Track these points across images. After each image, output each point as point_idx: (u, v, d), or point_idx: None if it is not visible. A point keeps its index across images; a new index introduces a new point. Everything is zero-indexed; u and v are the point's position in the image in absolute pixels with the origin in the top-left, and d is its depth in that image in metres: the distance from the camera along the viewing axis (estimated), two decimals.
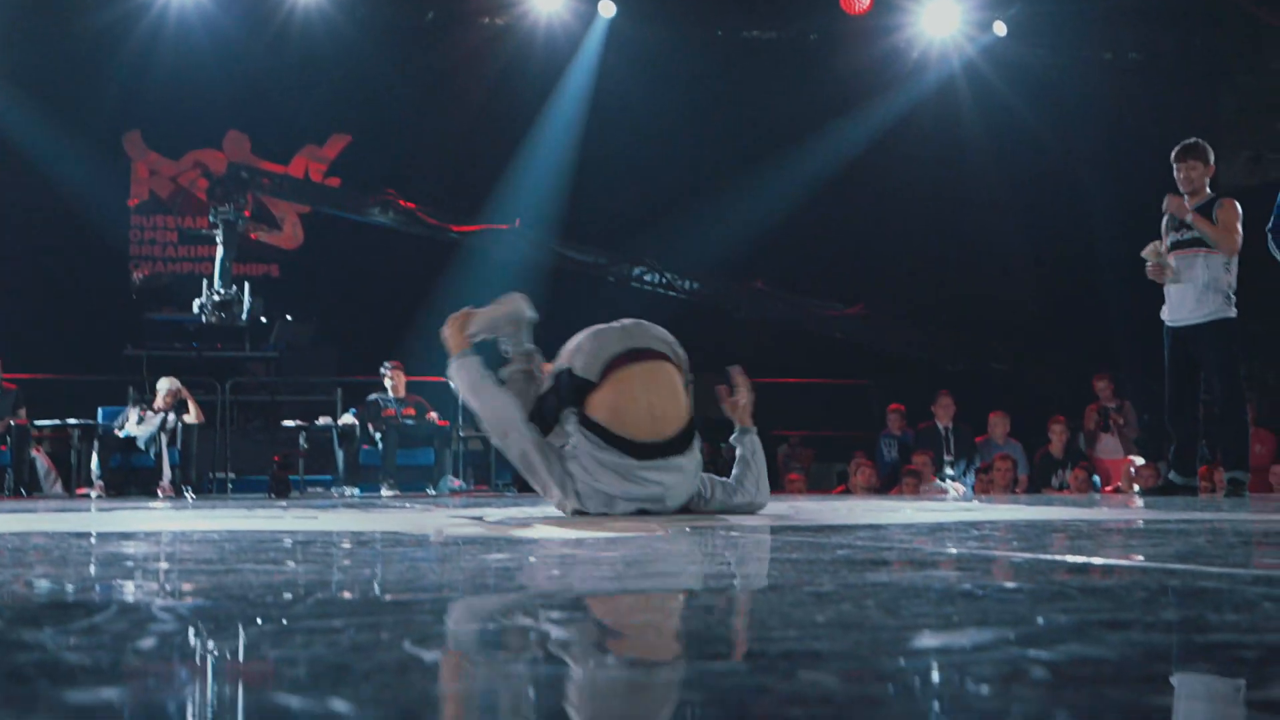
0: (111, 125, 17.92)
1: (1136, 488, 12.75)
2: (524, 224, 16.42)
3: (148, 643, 1.77)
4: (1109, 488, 14.01)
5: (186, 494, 13.15)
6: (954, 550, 3.65)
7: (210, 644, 1.79)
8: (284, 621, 1.98)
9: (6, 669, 1.57)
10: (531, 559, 3.44)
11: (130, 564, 3.35)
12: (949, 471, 14.49)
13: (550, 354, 6.36)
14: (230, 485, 14.34)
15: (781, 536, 4.51)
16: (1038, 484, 14.28)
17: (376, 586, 2.67)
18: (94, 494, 13.25)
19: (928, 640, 1.76)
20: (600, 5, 17.13)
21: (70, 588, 2.65)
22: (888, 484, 13.99)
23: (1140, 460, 13.82)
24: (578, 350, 5.98)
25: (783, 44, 18.70)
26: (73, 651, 1.69)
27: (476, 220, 16.65)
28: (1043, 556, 3.31)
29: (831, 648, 1.68)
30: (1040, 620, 1.95)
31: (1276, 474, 13.15)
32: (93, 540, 4.57)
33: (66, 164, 17.12)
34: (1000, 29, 17.66)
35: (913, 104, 18.22)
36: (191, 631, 1.91)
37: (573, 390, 5.85)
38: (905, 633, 1.83)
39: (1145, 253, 9.63)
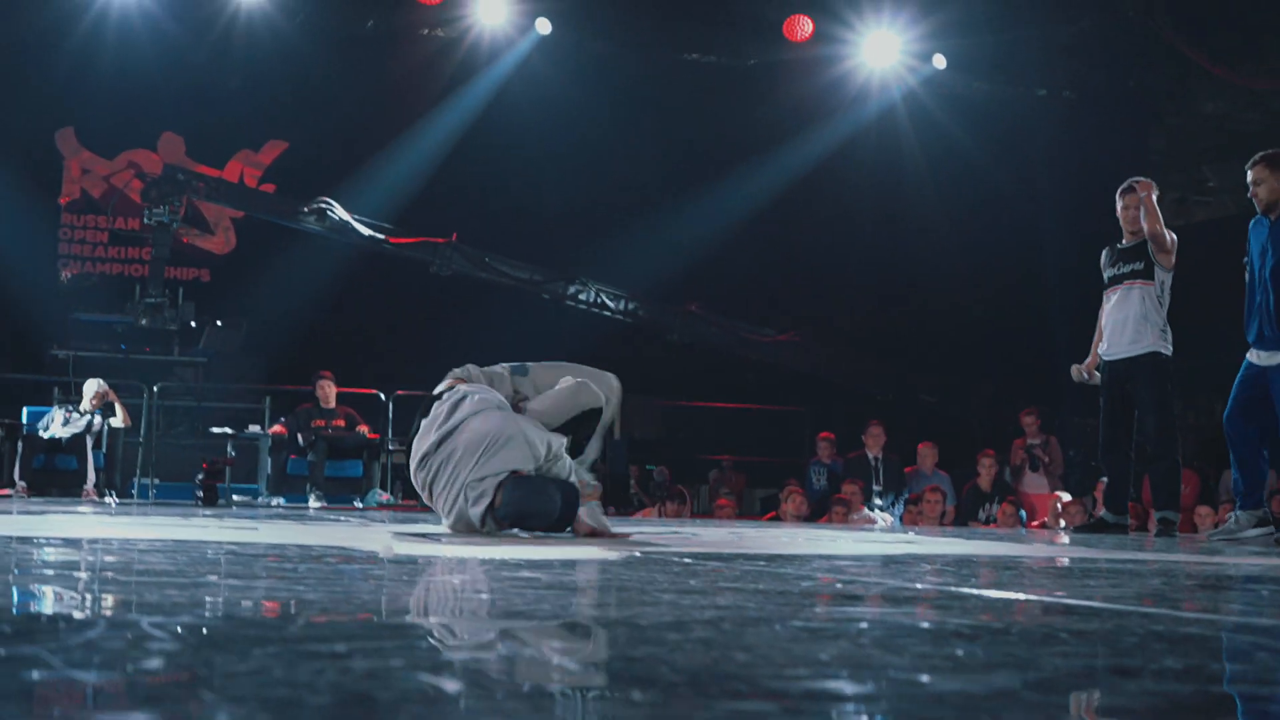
0: (45, 122, 17.70)
1: (1063, 523, 12.83)
2: (460, 238, 16.34)
3: (153, 663, 1.73)
4: (1035, 523, 14.10)
5: (109, 498, 12.98)
6: (919, 585, 3.65)
7: (220, 665, 1.75)
8: (285, 643, 1.94)
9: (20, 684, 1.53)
10: (493, 582, 3.41)
11: (91, 574, 3.29)
12: (878, 501, 14.54)
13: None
14: (154, 491, 14.16)
15: (737, 565, 4.50)
16: (965, 517, 14.34)
17: (357, 607, 2.64)
18: (16, 494, 13.04)
19: (948, 684, 1.75)
20: (537, 22, 17.10)
21: (44, 599, 2.59)
22: (817, 512, 14.01)
23: (1067, 496, 13.92)
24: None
25: (723, 68, 18.75)
26: (78, 669, 1.65)
27: (412, 232, 16.54)
28: (1012, 595, 3.32)
29: (856, 690, 1.67)
30: (1048, 665, 1.94)
31: (1201, 514, 13.27)
32: (31, 547, 4.49)
33: None
34: (940, 61, 17.79)
35: (852, 132, 18.32)
36: (194, 651, 1.87)
37: None
38: (918, 675, 1.82)
39: (1072, 374, 10.02)
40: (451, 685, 1.64)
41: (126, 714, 1.41)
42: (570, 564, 4.27)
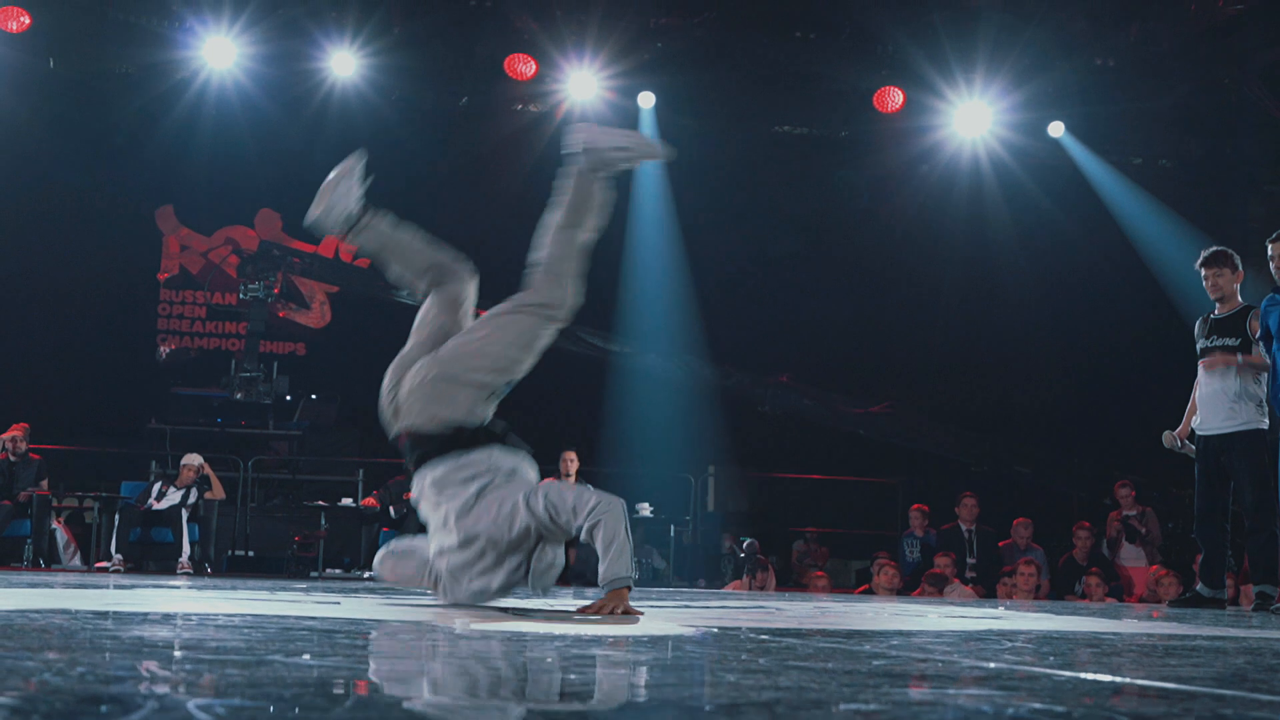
0: (145, 200, 18.02)
1: (1160, 597, 12.63)
2: None
3: None
4: (1132, 597, 13.88)
5: (205, 571, 13.11)
6: (992, 664, 3.59)
7: None
8: None
9: None
10: (563, 660, 3.39)
11: (157, 651, 3.31)
12: (971, 574, 14.38)
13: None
14: (249, 563, 14.27)
15: (812, 642, 4.45)
16: (1060, 590, 14.15)
17: (413, 687, 2.63)
18: (113, 568, 13.20)
19: None
20: (639, 96, 17.16)
21: (102, 679, 2.60)
22: (910, 585, 13.88)
23: (1164, 570, 13.70)
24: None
25: (814, 140, 18.76)
26: None
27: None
28: (1084, 675, 3.25)
29: None
30: None
31: None
32: (109, 623, 4.52)
33: (98, 236, 17.22)
34: (1057, 129, 17.70)
35: (942, 203, 18.24)
36: None
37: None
38: None
39: (1164, 440, 9.88)
40: None
41: None
42: (645, 641, 4.24)
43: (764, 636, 4.57)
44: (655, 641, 4.25)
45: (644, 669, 3.14)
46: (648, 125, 17.31)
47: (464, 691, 2.59)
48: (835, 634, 4.91)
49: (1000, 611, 7.99)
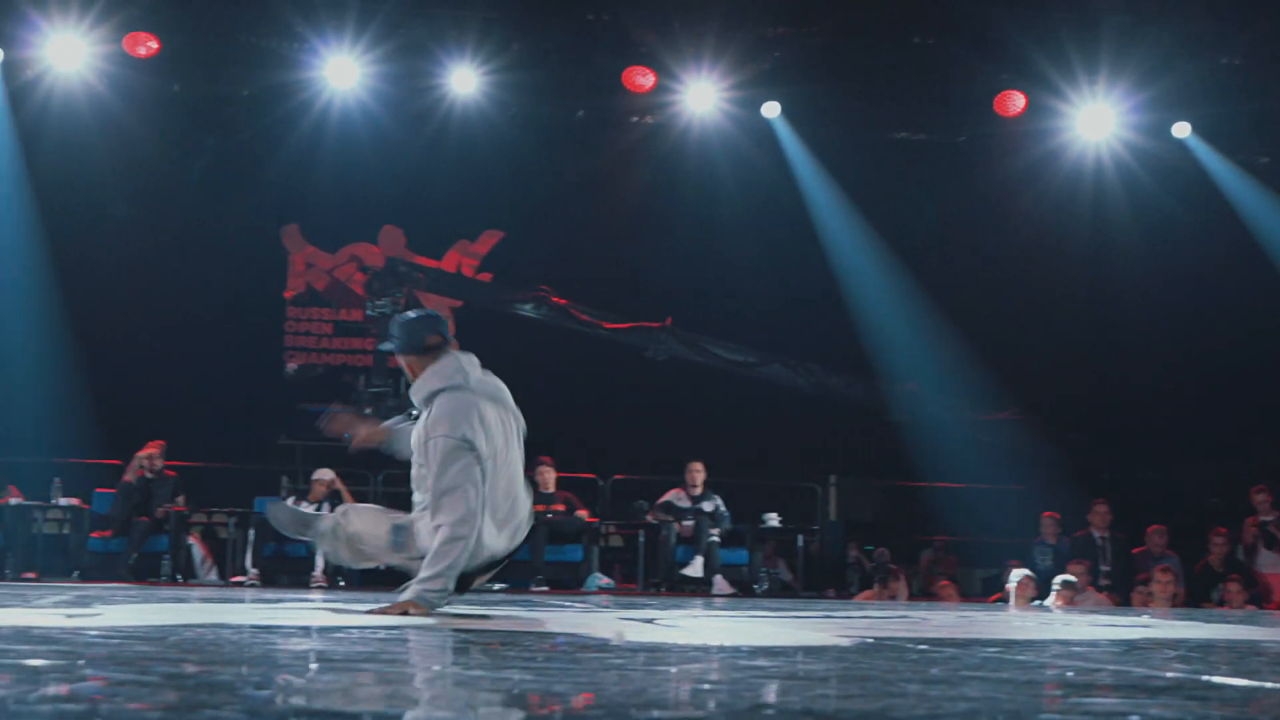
0: (271, 219, 18.26)
1: None
2: (675, 322, 16.47)
3: None
4: (1271, 604, 13.65)
5: (338, 584, 13.27)
6: (1169, 674, 3.56)
7: None
8: None
9: None
10: (734, 673, 3.40)
11: (293, 659, 3.36)
12: (1105, 582, 14.21)
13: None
14: (380, 576, 14.36)
15: (973, 652, 4.42)
16: (1196, 597, 13.95)
17: (600, 702, 2.65)
18: (248, 582, 13.39)
19: None
20: (764, 106, 17.10)
21: (303, 691, 2.65)
22: (1043, 593, 13.73)
23: None
24: None
25: (932, 146, 18.62)
26: None
27: (628, 317, 16.72)
28: (1269, 685, 3.22)
29: None
30: None
31: None
32: (276, 637, 4.59)
33: (225, 257, 17.48)
34: (1183, 130, 17.45)
35: (1064, 206, 18.02)
36: None
37: None
38: None
39: None
40: None
41: None
42: (805, 651, 4.25)
43: (922, 646, 4.55)
44: (815, 652, 4.26)
45: (825, 681, 3.14)
46: (777, 135, 17.34)
47: (715, 708, 2.60)
48: (992, 643, 4.89)
49: (1147, 620, 7.90)
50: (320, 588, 12.97)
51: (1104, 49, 16.44)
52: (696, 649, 4.29)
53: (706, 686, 2.99)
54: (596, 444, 16.68)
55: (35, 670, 2.97)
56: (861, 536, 16.51)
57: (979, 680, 3.22)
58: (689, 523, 14.10)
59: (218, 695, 2.51)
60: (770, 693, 2.83)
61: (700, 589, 13.78)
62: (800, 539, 15.25)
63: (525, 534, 6.53)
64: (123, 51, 15.72)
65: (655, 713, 2.41)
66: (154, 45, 15.78)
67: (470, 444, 6.17)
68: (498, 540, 6.34)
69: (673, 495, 14.45)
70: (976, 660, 4.01)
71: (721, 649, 4.24)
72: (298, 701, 2.47)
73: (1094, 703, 2.64)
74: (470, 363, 6.53)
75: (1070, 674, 3.47)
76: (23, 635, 4.29)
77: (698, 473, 14.48)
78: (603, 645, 4.43)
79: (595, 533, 14.60)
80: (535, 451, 14.76)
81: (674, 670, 3.42)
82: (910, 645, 4.58)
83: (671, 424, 16.91)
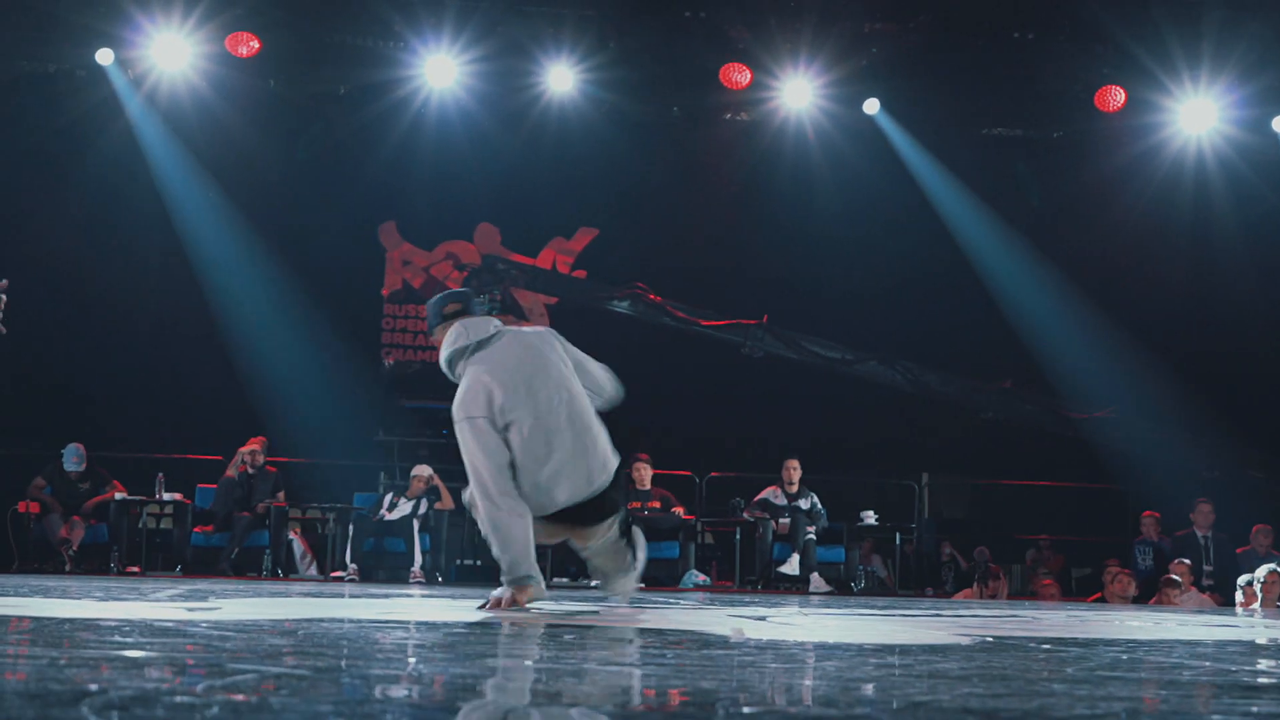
0: (368, 217, 18.41)
1: None
2: (770, 319, 16.46)
3: None
4: None
5: (436, 580, 13.36)
6: None
7: None
8: None
9: None
10: (875, 670, 3.39)
11: (401, 649, 3.38)
12: (1208, 582, 14.04)
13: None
14: (477, 573, 14.47)
15: (1099, 651, 4.39)
16: None
17: (764, 700, 2.65)
18: (348, 577, 13.50)
19: None
20: (865, 103, 17.00)
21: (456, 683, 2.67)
22: (1145, 593, 13.59)
23: None
24: None
25: (1027, 142, 18.45)
26: None
27: (723, 314, 16.73)
28: None
29: None
30: None
31: None
32: (400, 631, 4.63)
33: (323, 254, 17.62)
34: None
35: (1165, 202, 17.81)
36: None
37: None
38: None
39: None
40: None
41: None
42: (929, 649, 4.23)
43: (1046, 646, 4.52)
44: (940, 650, 4.24)
45: (967, 680, 3.13)
46: (881, 131, 17.26)
47: (869, 708, 2.60)
48: (1116, 643, 4.85)
49: (1268, 621, 7.81)
50: (418, 583, 13.07)
51: (1205, 43, 16.24)
52: (821, 646, 4.28)
53: (850, 684, 2.98)
54: (692, 441, 16.68)
55: (184, 664, 3.01)
56: (953, 534, 16.44)
57: (1120, 681, 3.19)
58: (785, 520, 14.07)
59: (373, 687, 2.54)
60: (918, 691, 2.82)
61: (797, 586, 13.75)
62: (898, 537, 15.19)
63: (589, 464, 6.57)
64: (225, 51, 15.91)
65: (816, 709, 2.41)
66: (255, 45, 15.95)
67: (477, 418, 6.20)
68: (558, 490, 6.34)
69: (769, 493, 14.42)
70: (1106, 660, 3.98)
71: (846, 647, 4.23)
72: (453, 697, 2.49)
73: (1248, 704, 2.61)
74: (477, 326, 6.48)
75: (1205, 675, 3.43)
76: (150, 628, 4.35)
77: (794, 470, 14.44)
78: (724, 642, 4.43)
79: (691, 530, 14.60)
80: (632, 448, 14.81)
81: (811, 667, 3.41)
82: (1033, 645, 4.55)
83: (767, 421, 16.88)
